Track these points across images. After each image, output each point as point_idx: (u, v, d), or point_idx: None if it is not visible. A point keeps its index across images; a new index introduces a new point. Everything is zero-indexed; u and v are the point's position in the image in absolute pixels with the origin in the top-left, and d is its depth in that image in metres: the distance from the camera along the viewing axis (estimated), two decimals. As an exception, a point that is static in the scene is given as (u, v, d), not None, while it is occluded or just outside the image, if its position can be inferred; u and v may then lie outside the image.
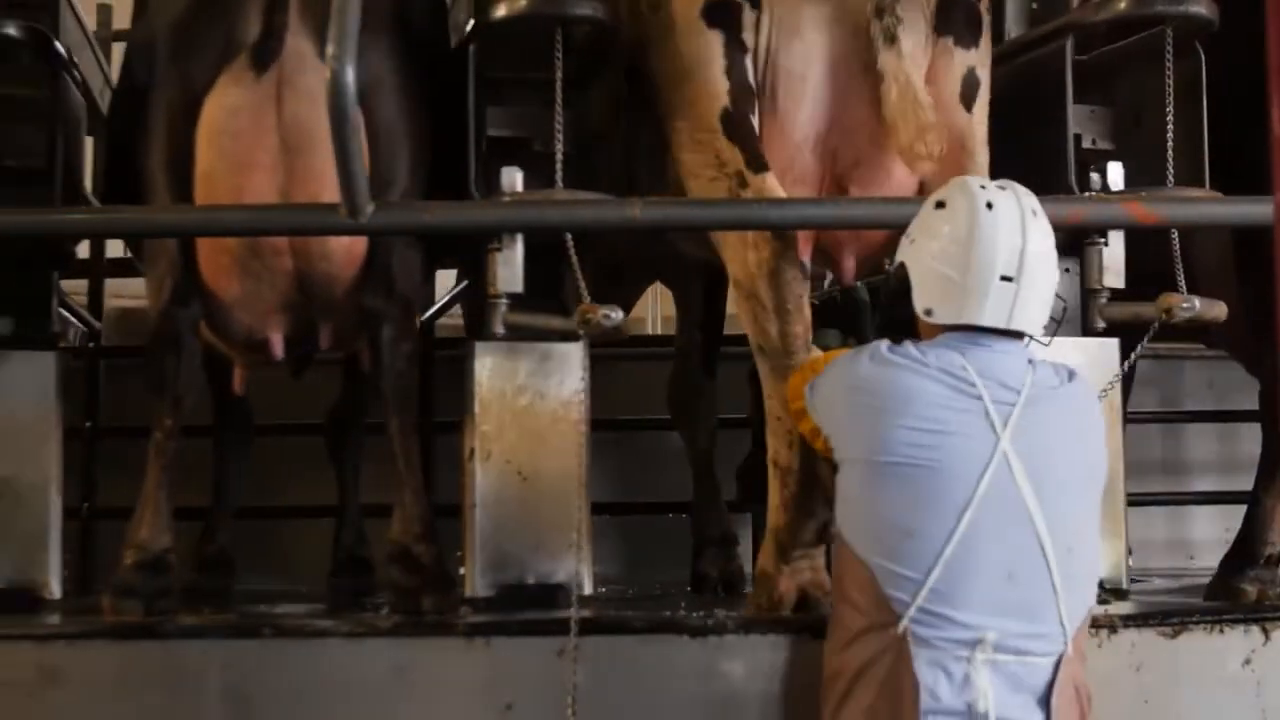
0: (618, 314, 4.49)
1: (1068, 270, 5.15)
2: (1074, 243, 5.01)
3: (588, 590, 5.12)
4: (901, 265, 4.00)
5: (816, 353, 4.52)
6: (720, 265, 4.93)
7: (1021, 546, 3.74)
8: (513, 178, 4.85)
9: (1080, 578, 3.83)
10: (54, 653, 4.57)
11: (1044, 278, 3.89)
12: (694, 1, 4.70)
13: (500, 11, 4.88)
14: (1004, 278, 3.81)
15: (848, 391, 3.93)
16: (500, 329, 4.87)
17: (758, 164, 4.61)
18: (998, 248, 3.81)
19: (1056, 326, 4.08)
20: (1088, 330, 5.00)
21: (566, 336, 4.90)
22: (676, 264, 5.66)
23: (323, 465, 6.31)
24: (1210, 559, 5.84)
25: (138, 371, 5.07)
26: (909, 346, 3.89)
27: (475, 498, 5.08)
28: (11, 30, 5.06)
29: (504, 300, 4.86)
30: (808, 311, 4.62)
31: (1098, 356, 5.08)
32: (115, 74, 5.95)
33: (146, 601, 4.84)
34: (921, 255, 3.94)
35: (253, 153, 4.80)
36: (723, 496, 6.21)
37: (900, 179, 4.76)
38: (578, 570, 5.08)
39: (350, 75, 4.13)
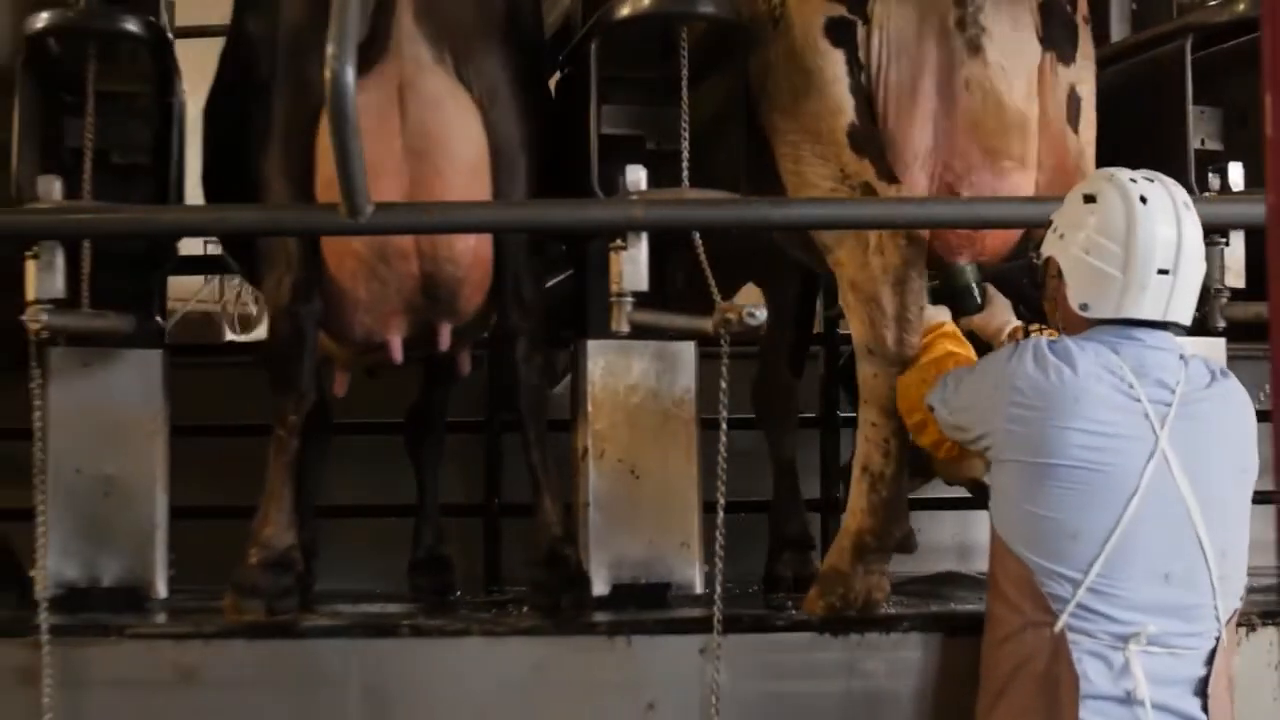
0: (761, 312, 4.50)
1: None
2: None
3: (698, 589, 5.12)
4: (1050, 260, 4.01)
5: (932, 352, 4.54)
6: (814, 266, 4.97)
7: (1180, 548, 3.77)
8: (637, 176, 4.85)
9: (1233, 580, 3.86)
10: (192, 652, 4.55)
11: (1196, 269, 3.91)
12: (815, 21, 4.73)
13: (625, 10, 4.87)
14: (1161, 271, 3.82)
15: (1010, 392, 3.88)
16: (625, 327, 4.87)
17: (888, 175, 4.64)
18: (1155, 241, 3.82)
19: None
20: (1207, 330, 5.04)
21: (701, 336, 4.89)
22: (771, 263, 5.68)
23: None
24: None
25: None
26: (1068, 344, 3.89)
27: (589, 497, 5.09)
28: (132, 26, 5.00)
29: (629, 298, 4.86)
30: (923, 321, 4.65)
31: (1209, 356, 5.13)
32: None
33: (269, 600, 4.82)
34: (1071, 249, 3.93)
35: (379, 158, 4.77)
36: (803, 496, 6.22)
37: (1012, 192, 4.79)
38: (693, 568, 5.10)
39: (350, 75, 4.13)
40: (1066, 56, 4.79)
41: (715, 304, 4.58)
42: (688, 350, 5.15)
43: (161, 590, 5.17)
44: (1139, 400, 3.80)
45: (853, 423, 6.13)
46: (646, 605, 4.98)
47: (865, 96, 4.70)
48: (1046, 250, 4.04)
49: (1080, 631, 3.73)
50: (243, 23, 5.41)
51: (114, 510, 5.14)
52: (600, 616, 4.73)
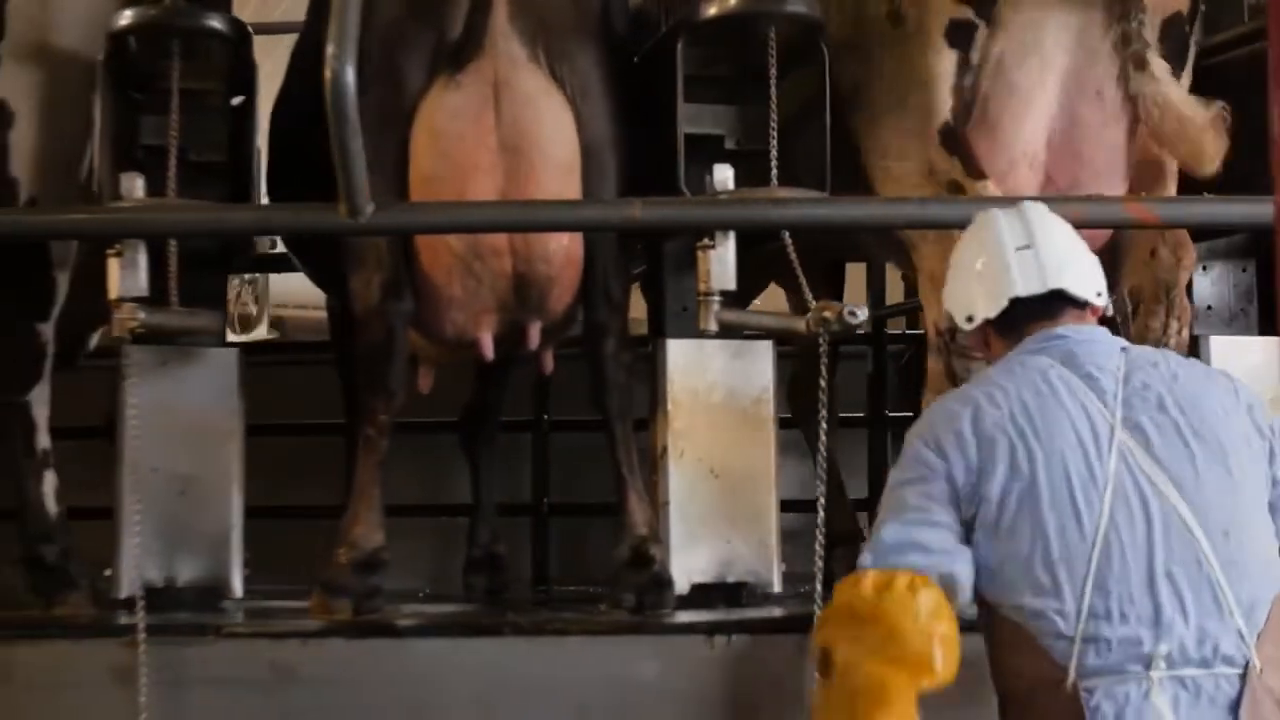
0: (863, 312, 4.53)
1: (1245, 270, 5.30)
2: (1257, 241, 5.13)
3: (777, 588, 5.14)
4: (948, 317, 4.04)
5: None
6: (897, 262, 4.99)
7: (1169, 540, 3.39)
8: (725, 175, 4.88)
9: (1247, 564, 3.41)
10: (289, 650, 4.55)
11: (1061, 235, 3.83)
12: (938, 20, 4.80)
13: (712, 10, 4.89)
14: (1020, 247, 3.76)
15: (953, 448, 3.60)
16: (714, 326, 4.89)
17: (977, 174, 4.71)
18: (999, 229, 3.82)
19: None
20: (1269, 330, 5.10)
21: (794, 335, 4.91)
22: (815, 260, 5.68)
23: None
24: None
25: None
26: (988, 372, 3.78)
27: (669, 495, 5.09)
28: (216, 23, 4.99)
29: (717, 297, 4.88)
30: None
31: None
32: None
33: (357, 600, 4.82)
34: (946, 291, 4.01)
35: (475, 156, 4.80)
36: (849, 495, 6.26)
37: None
38: (771, 567, 5.12)
39: (350, 75, 4.15)
40: (1176, 71, 4.87)
41: (808, 303, 4.62)
42: (765, 349, 5.17)
43: (237, 590, 5.15)
44: (1078, 397, 3.55)
45: (899, 422, 6.26)
46: (725, 604, 5.00)
47: (966, 99, 4.77)
48: (946, 315, 4.08)
49: (1094, 672, 3.35)
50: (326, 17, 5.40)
51: (190, 510, 5.11)
52: (699, 616, 4.74)
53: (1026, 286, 3.72)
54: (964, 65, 4.77)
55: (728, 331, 5.04)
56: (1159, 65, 4.66)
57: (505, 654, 4.56)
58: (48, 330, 5.21)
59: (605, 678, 4.53)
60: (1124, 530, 3.40)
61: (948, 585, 3.48)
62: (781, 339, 5.31)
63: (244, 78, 5.22)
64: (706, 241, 4.85)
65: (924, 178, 4.79)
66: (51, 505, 5.16)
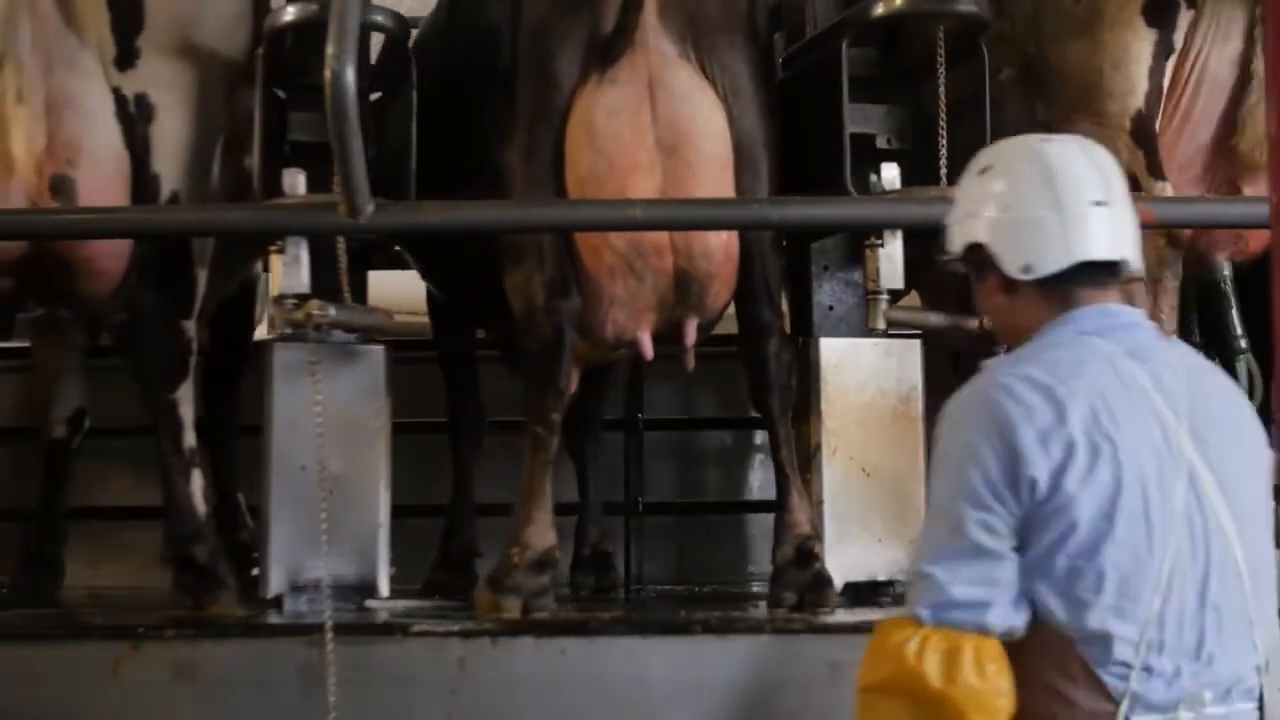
0: None
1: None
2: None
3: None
4: (970, 247, 3.24)
5: None
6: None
7: (1222, 569, 3.03)
8: (892, 174, 4.92)
9: (1266, 593, 3.13)
10: (478, 649, 4.54)
11: (1129, 209, 3.21)
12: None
13: (879, 9, 4.93)
14: (1097, 202, 3.14)
15: (1016, 441, 3.00)
16: (883, 324, 4.93)
17: (1157, 171, 4.74)
18: (1077, 174, 3.15)
19: None
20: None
21: (966, 334, 4.95)
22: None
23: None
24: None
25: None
26: (1048, 347, 3.11)
27: (822, 494, 5.12)
28: (379, 18, 4.97)
29: (885, 296, 4.92)
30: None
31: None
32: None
33: (527, 599, 4.81)
34: (987, 219, 3.19)
35: (634, 154, 4.80)
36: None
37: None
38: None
39: (350, 75, 4.16)
40: None
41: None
42: (914, 348, 5.21)
43: (384, 589, 5.12)
44: (1148, 397, 3.05)
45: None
46: (877, 602, 5.04)
47: (1161, 84, 4.75)
48: (959, 240, 3.26)
49: (1142, 708, 2.97)
50: (465, 12, 5.39)
51: (339, 508, 5.05)
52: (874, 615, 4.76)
53: (1101, 250, 3.13)
54: (1162, 48, 4.71)
55: (873, 331, 5.08)
56: None
57: (695, 652, 4.55)
58: (192, 327, 5.17)
59: (792, 675, 4.53)
60: (1185, 556, 2.99)
61: (1007, 639, 2.99)
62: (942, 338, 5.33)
63: (401, 72, 5.17)
64: (874, 240, 4.89)
65: None
66: (199, 504, 5.11)
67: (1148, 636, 2.94)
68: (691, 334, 5.03)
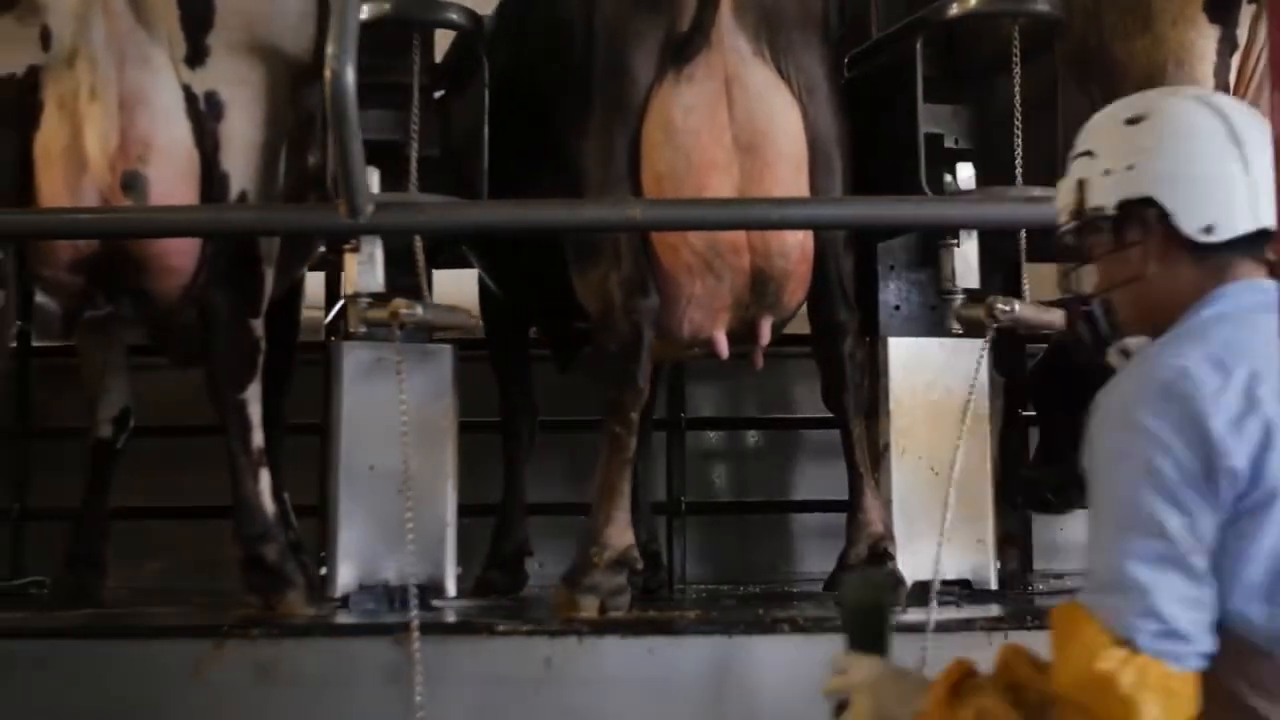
0: None
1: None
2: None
3: (993, 585, 5.21)
4: (1125, 205, 2.80)
5: None
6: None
7: None
8: (967, 174, 4.94)
9: None
10: (565, 648, 4.53)
11: None
12: None
13: (954, 9, 4.95)
14: (1268, 169, 2.58)
15: (1210, 426, 2.58)
16: (954, 324, 4.95)
17: None
18: (1256, 133, 2.76)
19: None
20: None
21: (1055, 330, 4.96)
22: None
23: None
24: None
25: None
26: (1215, 346, 2.66)
27: (891, 494, 5.14)
28: (455, 16, 4.96)
29: (960, 295, 4.94)
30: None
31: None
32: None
33: (605, 598, 4.81)
34: (1156, 172, 2.78)
35: (711, 153, 4.81)
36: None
37: None
38: (988, 565, 5.18)
39: (350, 75, 4.16)
40: None
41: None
42: (977, 346, 5.20)
43: (450, 589, 5.11)
44: None
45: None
46: (944, 602, 5.05)
47: (1227, 81, 4.75)
48: (1112, 195, 2.80)
49: None
50: (536, 9, 5.39)
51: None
52: (977, 613, 4.78)
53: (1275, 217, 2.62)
54: (1226, 43, 4.71)
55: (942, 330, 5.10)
56: None
57: (782, 651, 4.55)
58: (260, 326, 5.14)
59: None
60: None
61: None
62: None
63: (472, 70, 5.16)
64: (950, 240, 4.90)
65: None
66: (268, 504, 5.08)
67: None
68: (766, 333, 5.05)
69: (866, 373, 5.06)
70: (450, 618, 4.84)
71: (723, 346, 4.98)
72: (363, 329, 4.86)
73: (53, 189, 4.85)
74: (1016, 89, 4.91)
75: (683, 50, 4.82)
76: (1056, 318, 4.68)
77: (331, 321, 5.93)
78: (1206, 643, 2.52)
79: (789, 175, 4.86)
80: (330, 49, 4.15)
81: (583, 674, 4.52)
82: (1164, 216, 2.75)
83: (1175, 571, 2.52)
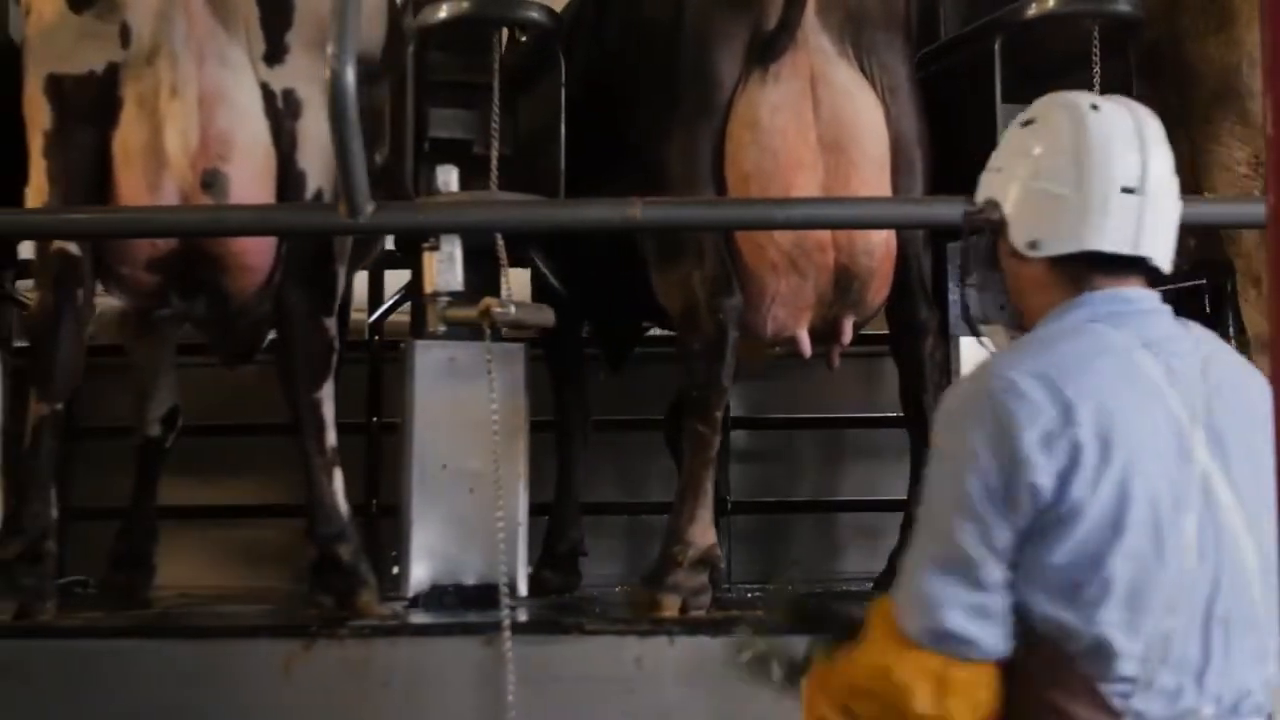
0: None
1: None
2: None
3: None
4: (988, 203, 2.95)
5: None
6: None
7: (1233, 581, 2.76)
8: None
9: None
10: (656, 648, 4.54)
11: (1169, 201, 2.94)
12: None
13: (1031, 11, 4.97)
14: (1126, 189, 2.85)
15: (1015, 442, 2.68)
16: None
17: None
18: (1113, 153, 2.86)
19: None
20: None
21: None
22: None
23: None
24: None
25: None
26: (1049, 332, 2.81)
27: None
28: (535, 14, 4.96)
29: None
30: None
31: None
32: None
33: (686, 597, 4.82)
34: (1014, 180, 2.91)
35: (797, 152, 4.83)
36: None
37: None
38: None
39: (350, 75, 4.17)
40: None
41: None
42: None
43: (522, 588, 5.11)
44: (1163, 396, 2.75)
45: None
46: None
47: None
48: (982, 193, 2.99)
49: None
50: (615, 8, 5.39)
51: (480, 507, 5.02)
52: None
53: (1115, 243, 2.85)
54: None
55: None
56: None
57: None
58: (334, 325, 5.13)
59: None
60: (1195, 565, 2.72)
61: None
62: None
63: (549, 68, 5.16)
64: (973, 239, 4.90)
65: (1251, 169, 4.84)
66: (343, 503, 5.07)
67: (1154, 652, 2.67)
68: (848, 332, 5.06)
69: (945, 373, 5.06)
70: (531, 617, 4.82)
71: (805, 345, 5.00)
72: (441, 328, 4.83)
73: (133, 187, 4.84)
74: (1096, 89, 4.89)
75: (769, 49, 4.83)
76: None
77: (410, 321, 5.85)
78: (994, 646, 2.67)
79: (873, 174, 4.89)
80: (330, 49, 4.15)
81: (673, 673, 4.51)
82: (1005, 223, 2.90)
83: (963, 583, 2.66)
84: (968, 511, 2.67)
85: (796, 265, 4.83)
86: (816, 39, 4.84)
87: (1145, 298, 2.87)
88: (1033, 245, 2.86)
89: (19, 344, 5.85)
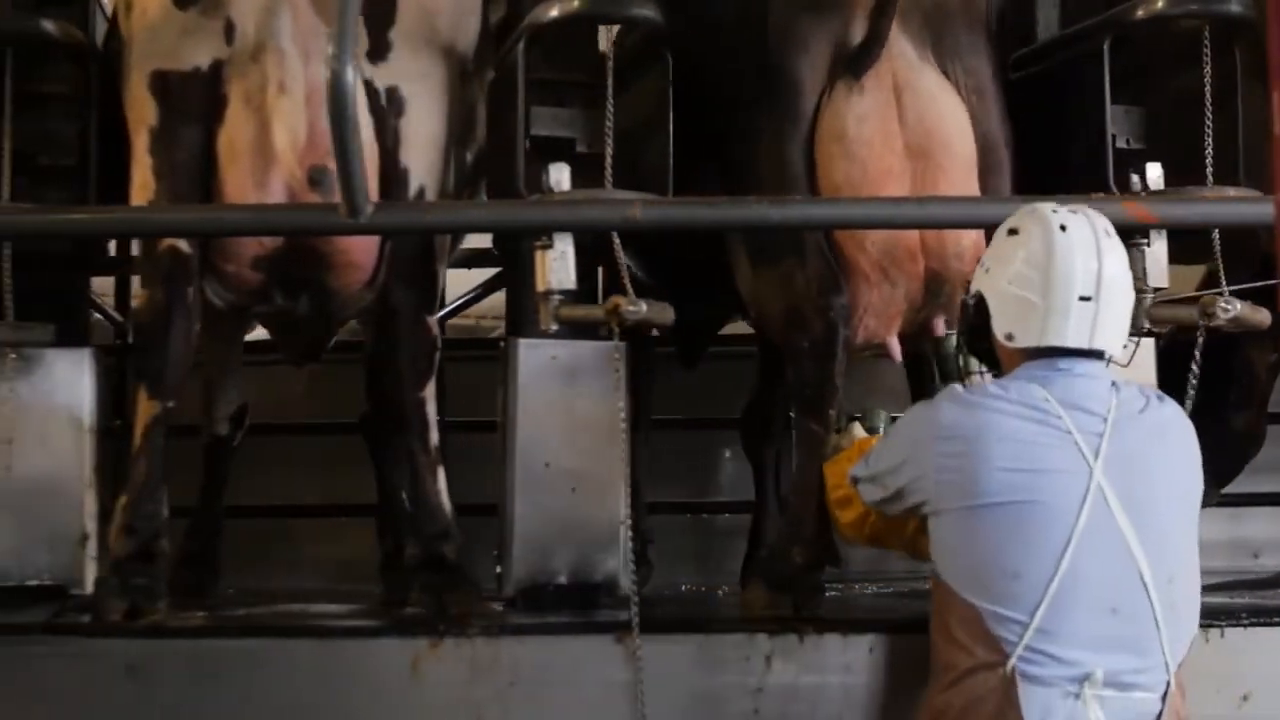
0: None
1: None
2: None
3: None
4: (979, 295, 4.00)
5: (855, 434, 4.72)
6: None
7: (1123, 580, 3.72)
8: (1155, 174, 4.93)
9: (1181, 606, 3.79)
10: (784, 646, 4.55)
11: (1121, 298, 3.92)
12: None
13: (1139, 14, 4.97)
14: (1083, 298, 3.83)
15: (934, 441, 3.91)
16: (1146, 322, 4.97)
17: None
18: (1074, 268, 3.83)
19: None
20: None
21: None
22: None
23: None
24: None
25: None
26: (987, 385, 3.99)
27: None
28: (648, 12, 4.92)
29: (1150, 294, 4.96)
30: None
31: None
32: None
33: (799, 597, 4.85)
34: (998, 282, 3.93)
35: (885, 161, 4.84)
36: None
37: None
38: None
39: (350, 75, 4.17)
40: None
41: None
42: (1147, 347, 5.14)
43: (626, 587, 5.08)
44: (1069, 432, 3.77)
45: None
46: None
47: None
48: (976, 286, 4.04)
49: (1031, 678, 3.68)
50: (699, 13, 5.38)
51: (580, 506, 5.03)
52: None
53: (1074, 340, 3.86)
54: None
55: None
56: None
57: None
58: (435, 324, 5.10)
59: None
60: (1086, 564, 3.69)
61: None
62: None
63: (665, 68, 5.10)
64: (1139, 239, 4.92)
65: None
66: (446, 502, 5.05)
67: (1038, 625, 3.66)
68: (940, 331, 5.06)
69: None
70: (657, 614, 4.80)
71: (896, 351, 5.03)
72: (554, 326, 4.81)
73: (239, 184, 4.80)
74: (1207, 90, 4.90)
75: (858, 61, 4.84)
76: (1265, 317, 4.74)
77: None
78: (870, 502, 4.26)
79: (961, 178, 4.89)
80: (330, 49, 4.13)
81: (803, 672, 4.51)
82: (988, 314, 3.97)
83: (876, 485, 4.19)
84: (886, 479, 4.12)
85: (888, 276, 4.85)
86: (899, 45, 4.85)
87: (1085, 366, 3.89)
88: (1009, 337, 3.94)
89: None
